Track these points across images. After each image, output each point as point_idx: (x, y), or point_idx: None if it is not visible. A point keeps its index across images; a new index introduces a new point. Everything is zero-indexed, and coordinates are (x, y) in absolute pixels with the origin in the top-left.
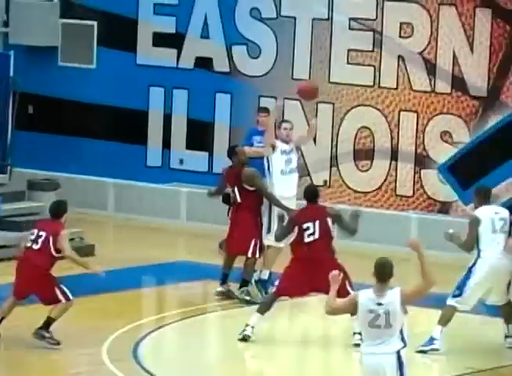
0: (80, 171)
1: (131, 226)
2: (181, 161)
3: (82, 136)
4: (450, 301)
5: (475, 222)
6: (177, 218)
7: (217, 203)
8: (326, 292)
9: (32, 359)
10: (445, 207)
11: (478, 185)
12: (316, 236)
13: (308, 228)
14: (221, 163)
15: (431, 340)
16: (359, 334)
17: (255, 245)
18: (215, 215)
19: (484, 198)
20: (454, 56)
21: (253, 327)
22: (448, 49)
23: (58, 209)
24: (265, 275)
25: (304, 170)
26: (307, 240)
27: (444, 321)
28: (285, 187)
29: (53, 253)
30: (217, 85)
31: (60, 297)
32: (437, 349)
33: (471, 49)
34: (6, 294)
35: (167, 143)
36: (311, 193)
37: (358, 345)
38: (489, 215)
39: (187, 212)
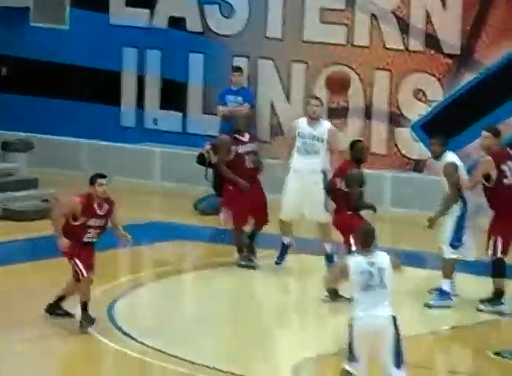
0: (54, 131)
1: None
2: (155, 121)
3: (56, 97)
4: (451, 254)
5: (455, 168)
6: (151, 179)
7: (191, 163)
8: None
9: (7, 318)
10: (419, 166)
11: (437, 135)
12: None
13: None
14: (195, 123)
15: (445, 294)
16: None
17: (225, 214)
18: (189, 175)
19: (447, 146)
20: (427, 14)
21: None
22: (421, 7)
23: None
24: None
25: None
26: None
27: (450, 274)
28: (299, 162)
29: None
30: (190, 45)
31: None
32: (449, 306)
33: (444, 7)
34: None
35: (140, 103)
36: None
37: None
38: (458, 160)
39: (161, 172)
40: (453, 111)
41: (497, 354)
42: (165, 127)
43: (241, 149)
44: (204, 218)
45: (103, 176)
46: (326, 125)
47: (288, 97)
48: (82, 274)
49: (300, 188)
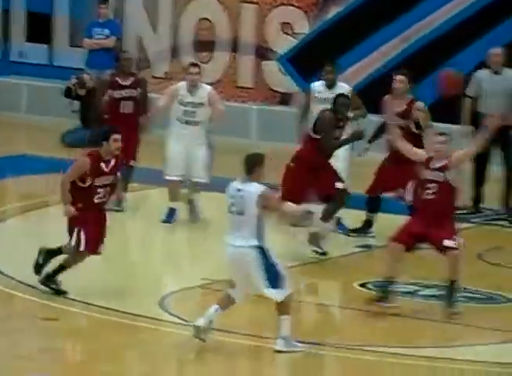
0: None
1: None
2: (20, 54)
3: None
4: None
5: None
6: (17, 112)
7: (57, 96)
8: None
9: None
10: (285, 99)
11: (328, 62)
12: None
13: None
14: (62, 55)
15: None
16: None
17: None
18: (56, 108)
19: None
20: None
21: None
22: None
23: None
24: None
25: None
26: None
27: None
28: (180, 131)
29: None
30: None
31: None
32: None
33: None
34: None
35: (6, 36)
36: None
37: None
38: None
39: (27, 105)
40: (320, 44)
41: (362, 286)
42: (31, 60)
43: (117, 93)
44: (72, 151)
45: (118, 132)
46: (206, 89)
47: (155, 29)
48: (79, 246)
49: (183, 150)
